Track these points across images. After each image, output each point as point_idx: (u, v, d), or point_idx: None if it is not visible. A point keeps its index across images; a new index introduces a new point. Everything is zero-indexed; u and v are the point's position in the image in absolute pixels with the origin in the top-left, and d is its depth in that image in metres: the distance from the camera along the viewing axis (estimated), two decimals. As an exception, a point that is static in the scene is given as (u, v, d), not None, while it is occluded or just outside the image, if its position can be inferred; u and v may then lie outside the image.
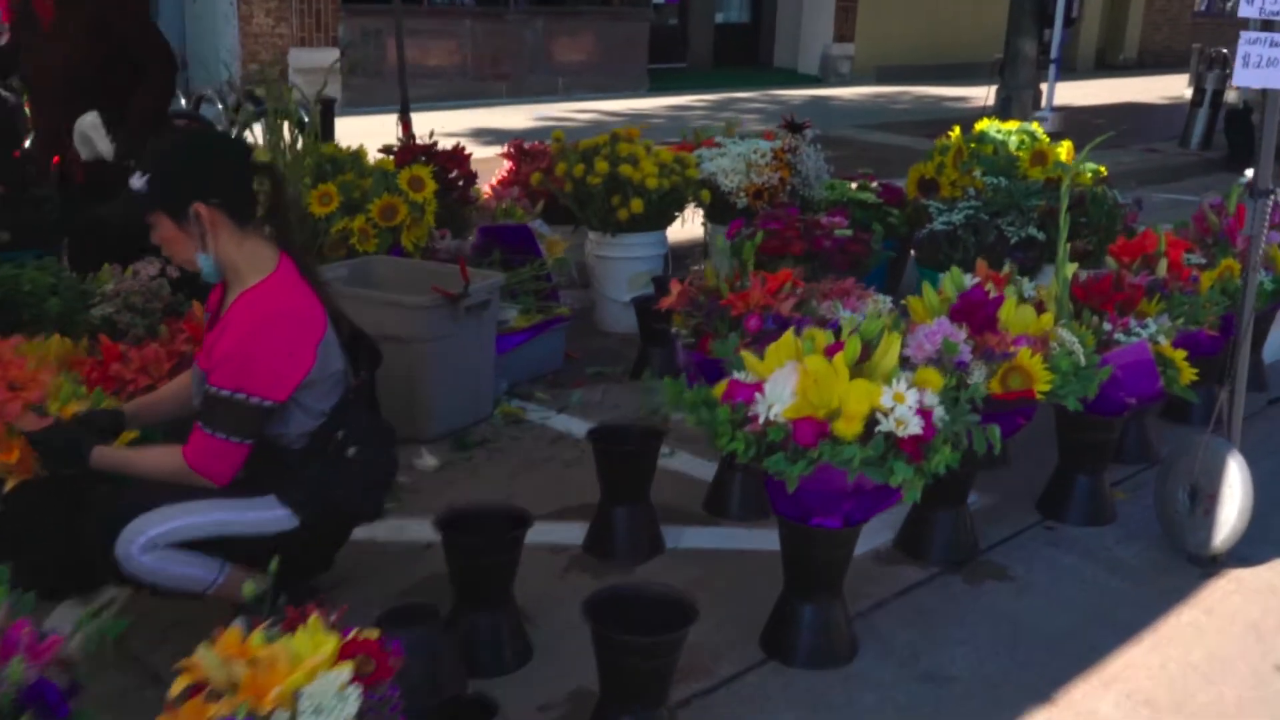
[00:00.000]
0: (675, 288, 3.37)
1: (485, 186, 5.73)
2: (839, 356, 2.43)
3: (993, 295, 3.06)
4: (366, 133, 10.57)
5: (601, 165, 5.03)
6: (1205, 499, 3.07)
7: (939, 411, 2.45)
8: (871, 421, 2.35)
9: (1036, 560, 3.26)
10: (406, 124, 5.88)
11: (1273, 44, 2.89)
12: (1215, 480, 3.02)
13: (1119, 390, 3.14)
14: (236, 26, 10.81)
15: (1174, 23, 22.69)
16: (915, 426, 2.33)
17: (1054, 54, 8.86)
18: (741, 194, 5.27)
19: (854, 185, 5.62)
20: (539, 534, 3.31)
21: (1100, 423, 3.28)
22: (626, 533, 3.21)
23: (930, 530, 3.20)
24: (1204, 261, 3.96)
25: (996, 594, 3.08)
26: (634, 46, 14.27)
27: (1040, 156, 5.25)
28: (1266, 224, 2.97)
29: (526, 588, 2.86)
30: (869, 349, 2.50)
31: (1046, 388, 2.81)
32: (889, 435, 2.34)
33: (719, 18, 16.89)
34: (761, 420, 2.37)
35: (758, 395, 2.40)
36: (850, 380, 2.39)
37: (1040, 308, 3.28)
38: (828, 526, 2.55)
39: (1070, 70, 20.28)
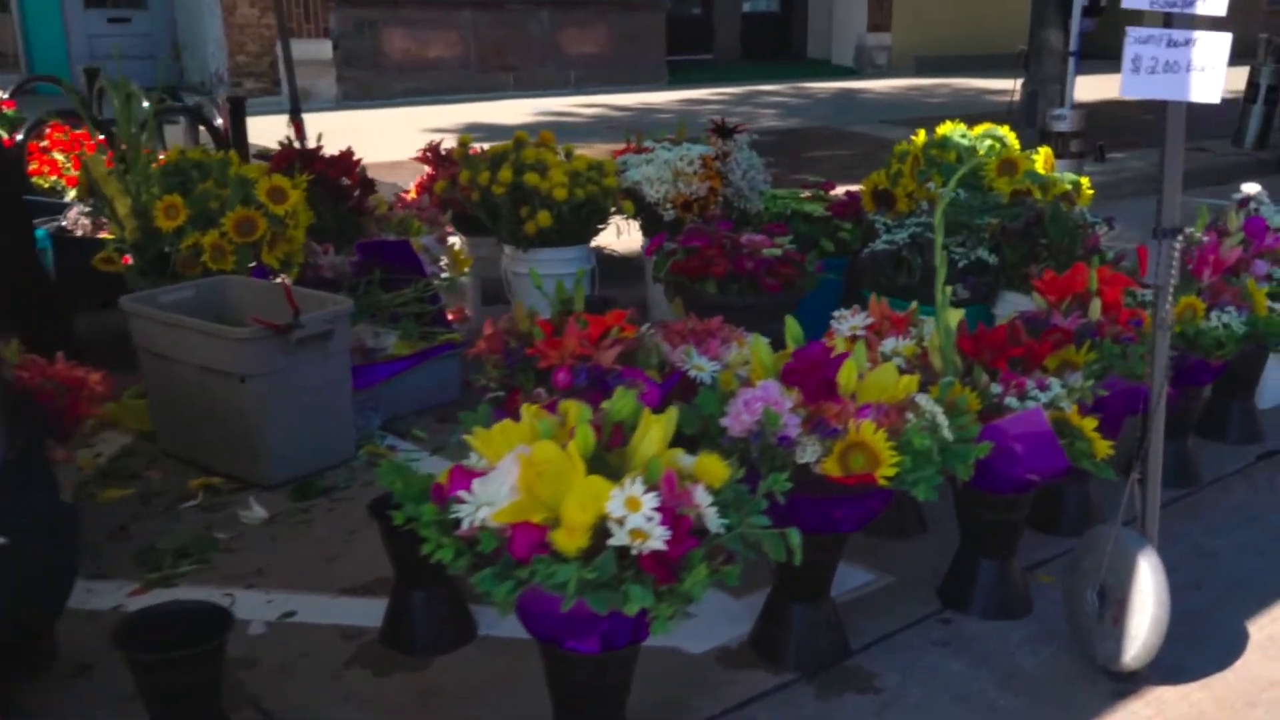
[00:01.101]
0: (488, 328, 2.84)
1: (410, 192, 5.23)
2: (574, 444, 1.88)
3: (853, 347, 2.48)
4: (353, 129, 10.17)
5: (505, 174, 4.50)
6: (1114, 604, 2.46)
7: (712, 514, 1.89)
8: (603, 531, 1.80)
9: (917, 666, 2.67)
10: (298, 124, 5.37)
11: (1170, 43, 2.28)
12: (1124, 584, 2.42)
13: (1016, 465, 2.55)
14: (220, 17, 10.44)
15: (1246, 9, 21.53)
16: (658, 540, 1.78)
17: (1073, 46, 8.13)
18: (668, 205, 4.71)
19: (805, 194, 5.03)
20: (337, 613, 2.83)
21: (998, 502, 2.68)
22: (425, 621, 2.69)
23: (786, 627, 2.63)
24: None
25: (851, 713, 2.51)
26: (651, 38, 13.70)
27: (1009, 165, 4.61)
28: (1174, 271, 2.35)
29: (292, 685, 2.42)
30: (622, 431, 1.95)
31: (892, 471, 2.23)
32: (624, 550, 1.78)
33: (747, 7, 16.26)
34: (466, 524, 1.83)
35: (465, 492, 1.86)
36: (588, 475, 1.85)
37: (925, 363, 2.70)
38: (582, 651, 2.01)
39: (1116, 59, 19.30)
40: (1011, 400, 2.52)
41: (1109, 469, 2.54)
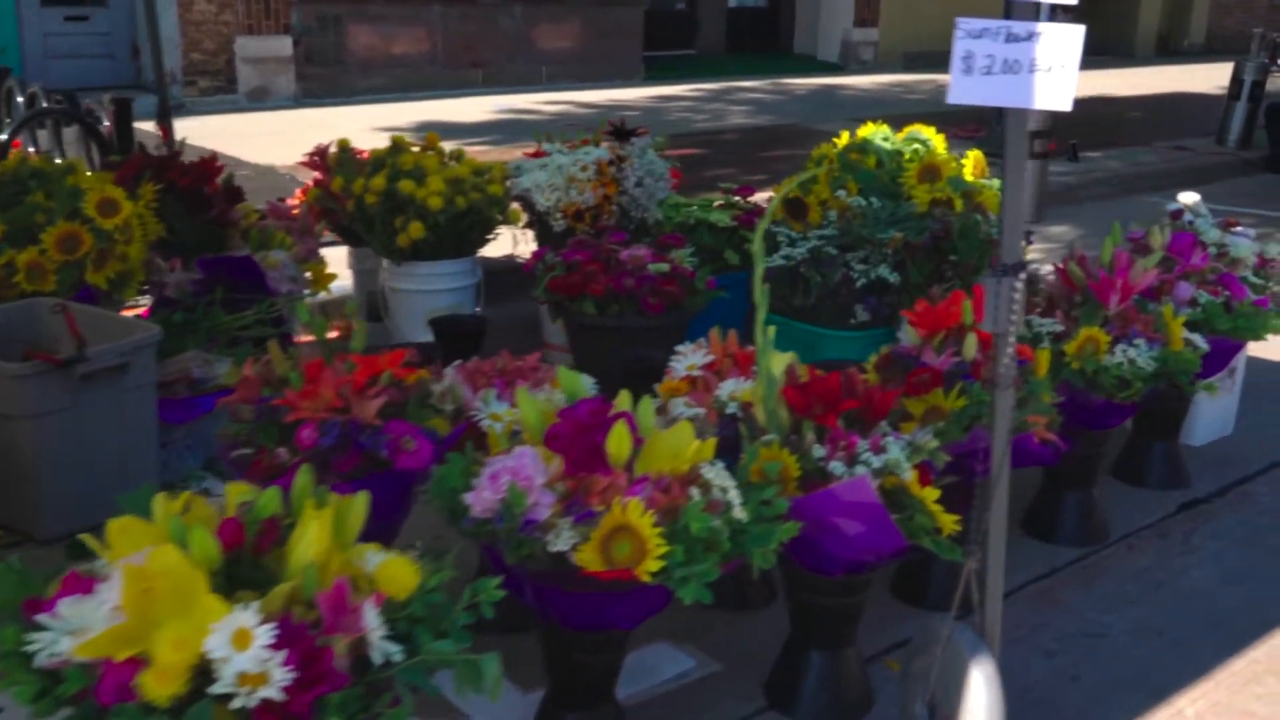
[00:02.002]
0: (247, 370, 2.44)
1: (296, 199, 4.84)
2: (194, 551, 1.48)
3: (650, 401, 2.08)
4: (303, 127, 9.77)
5: (378, 181, 4.11)
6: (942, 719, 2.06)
7: (380, 641, 1.50)
8: (206, 671, 1.40)
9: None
10: (165, 129, 4.98)
11: (1009, 37, 1.88)
12: (954, 697, 2.01)
13: (845, 544, 2.15)
14: (175, 13, 10.06)
15: (1246, 5, 20.98)
16: (275, 685, 1.38)
17: (1042, 40, 7.72)
18: (558, 214, 4.31)
19: (718, 203, 4.63)
20: None
21: (828, 585, 2.28)
22: None
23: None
24: (1060, 329, 2.92)
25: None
26: (628, 33, 13.28)
27: (929, 171, 4.19)
28: (1015, 316, 1.94)
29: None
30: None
31: (656, 565, 1.82)
32: (228, 698, 1.39)
33: (733, 1, 15.81)
34: (44, 656, 1.44)
35: (48, 615, 1.46)
36: (212, 592, 1.45)
37: (750, 416, 2.29)
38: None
39: (1128, 56, 18.82)
40: (837, 465, 2.11)
41: (955, 548, 2.12)
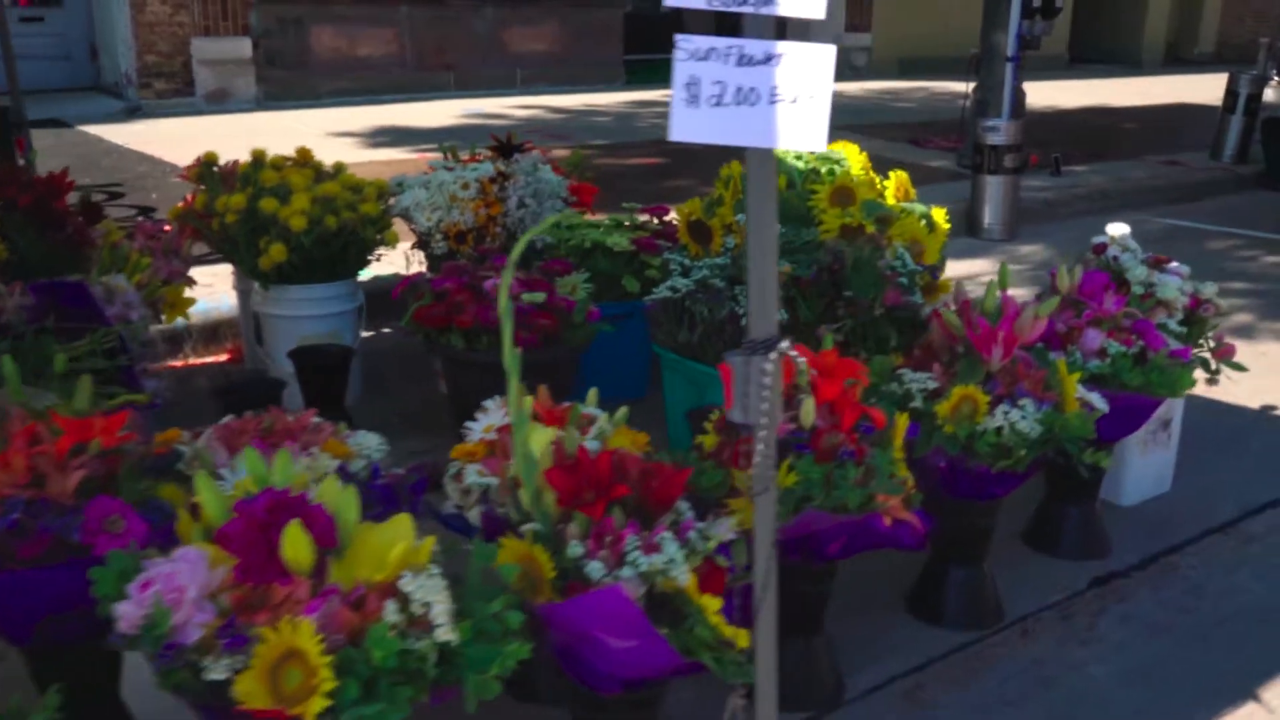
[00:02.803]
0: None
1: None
2: None
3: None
4: (253, 132, 9.39)
5: (237, 200, 3.76)
6: None
7: None
8: None
9: None
10: (19, 140, 4.63)
11: (742, 60, 1.52)
12: None
13: (612, 662, 1.78)
14: (128, 14, 9.76)
15: (1259, 14, 20.47)
16: None
17: (1011, 51, 7.29)
18: (439, 236, 3.95)
19: (624, 224, 4.27)
20: None
21: (605, 702, 1.91)
22: None
23: None
24: (935, 386, 2.55)
25: None
26: (607, 35, 12.93)
27: (843, 194, 3.82)
28: (767, 400, 1.57)
29: None
30: None
31: (320, 704, 1.46)
32: None
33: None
34: None
35: None
36: None
37: (515, 501, 1.93)
38: None
39: (1135, 65, 18.38)
40: (595, 567, 1.75)
41: (740, 669, 1.75)
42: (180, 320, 3.77)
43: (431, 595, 1.57)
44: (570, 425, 2.24)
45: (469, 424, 2.32)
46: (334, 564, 1.61)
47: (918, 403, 2.51)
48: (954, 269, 6.47)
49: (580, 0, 12.58)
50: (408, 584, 1.57)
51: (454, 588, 1.65)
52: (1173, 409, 3.36)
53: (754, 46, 1.51)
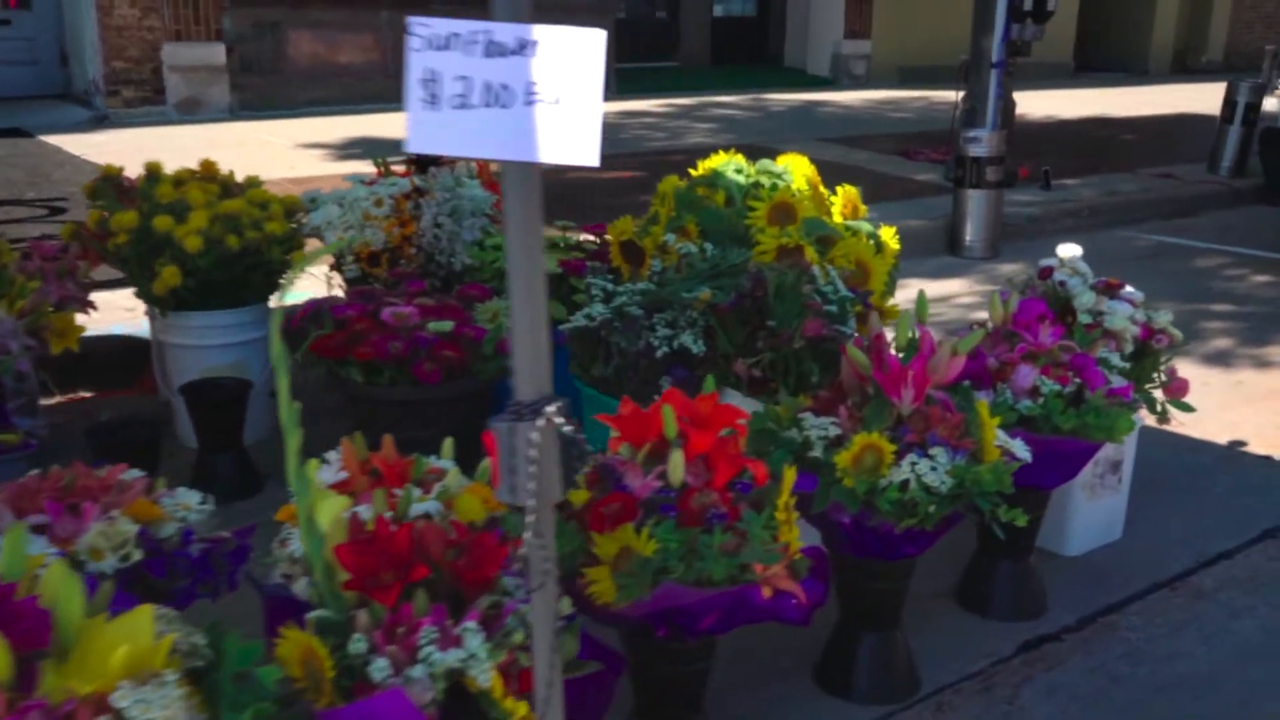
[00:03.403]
0: None
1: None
2: None
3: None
4: (214, 145, 9.15)
5: (127, 218, 3.52)
6: None
7: None
8: None
9: None
10: None
11: (491, 49, 1.26)
12: None
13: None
14: (95, 18, 9.56)
15: (1269, 21, 20.15)
16: None
17: (995, 57, 7.02)
18: (351, 258, 3.71)
19: (558, 244, 4.02)
20: None
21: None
22: None
23: None
24: (838, 433, 2.29)
25: None
26: (597, 43, 12.67)
27: (783, 212, 3.56)
28: (536, 478, 1.31)
29: None
30: None
31: None
32: None
33: (719, 10, 15.20)
34: None
35: None
36: None
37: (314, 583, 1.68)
38: None
39: (1141, 74, 18.07)
40: (380, 666, 1.50)
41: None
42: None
43: (156, 710, 1.32)
44: (409, 484, 2.00)
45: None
46: (51, 669, 1.37)
47: (817, 451, 2.26)
48: (930, 288, 6.16)
49: (570, 6, 12.33)
50: (123, 697, 1.31)
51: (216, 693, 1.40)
52: (1123, 449, 3.10)
53: (504, 31, 1.25)
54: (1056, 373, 2.58)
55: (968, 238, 6.94)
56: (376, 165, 4.33)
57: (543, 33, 1.24)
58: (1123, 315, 2.90)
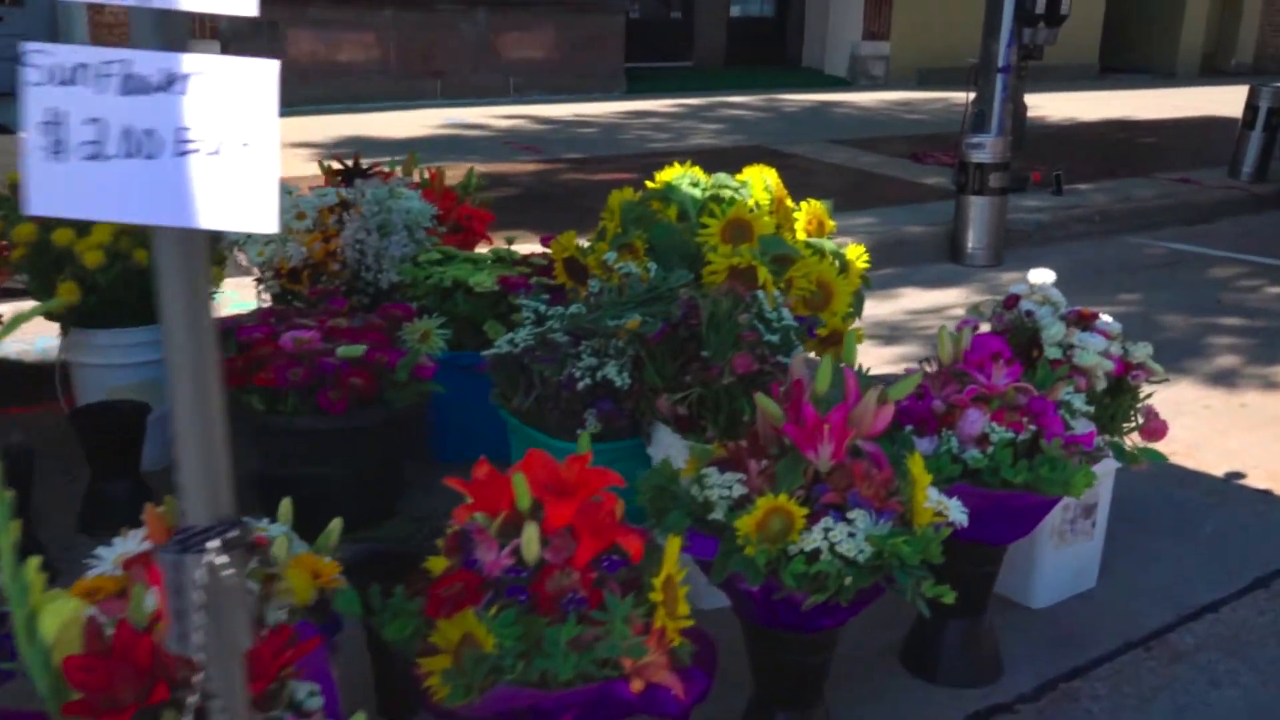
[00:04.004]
0: None
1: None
2: None
3: None
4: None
5: (26, 229, 3.29)
6: None
7: None
8: None
9: None
10: None
11: (129, 84, 1.00)
12: None
13: None
14: (85, 15, 9.39)
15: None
16: None
17: (1001, 61, 6.70)
18: (270, 273, 3.47)
19: (502, 258, 3.76)
20: None
21: None
22: None
23: None
24: (743, 493, 2.01)
25: None
26: (607, 42, 12.43)
27: (738, 229, 3.28)
28: (204, 627, 1.04)
29: None
30: None
31: None
32: None
33: (735, 11, 14.89)
34: None
35: None
36: None
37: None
38: None
39: (1169, 76, 17.63)
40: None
41: None
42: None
43: None
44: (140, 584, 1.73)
45: (100, 550, 1.81)
46: None
47: (719, 514, 1.98)
48: (926, 298, 5.91)
49: (580, 5, 12.09)
50: None
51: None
52: (1097, 492, 2.80)
53: (146, 61, 0.98)
54: (1010, 418, 2.29)
55: (970, 245, 6.63)
56: (323, 170, 4.09)
57: (198, 63, 0.98)
58: (1094, 350, 2.61)
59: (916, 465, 2.04)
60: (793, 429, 1.98)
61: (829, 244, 3.45)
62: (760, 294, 2.90)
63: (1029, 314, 2.72)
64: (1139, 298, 6.03)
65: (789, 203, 3.67)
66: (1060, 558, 2.80)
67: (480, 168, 8.30)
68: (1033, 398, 2.33)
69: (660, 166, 3.67)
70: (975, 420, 2.27)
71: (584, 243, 3.51)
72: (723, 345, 2.69)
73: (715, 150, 9.33)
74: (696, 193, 3.53)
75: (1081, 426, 2.38)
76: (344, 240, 3.31)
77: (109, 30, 9.52)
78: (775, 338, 2.74)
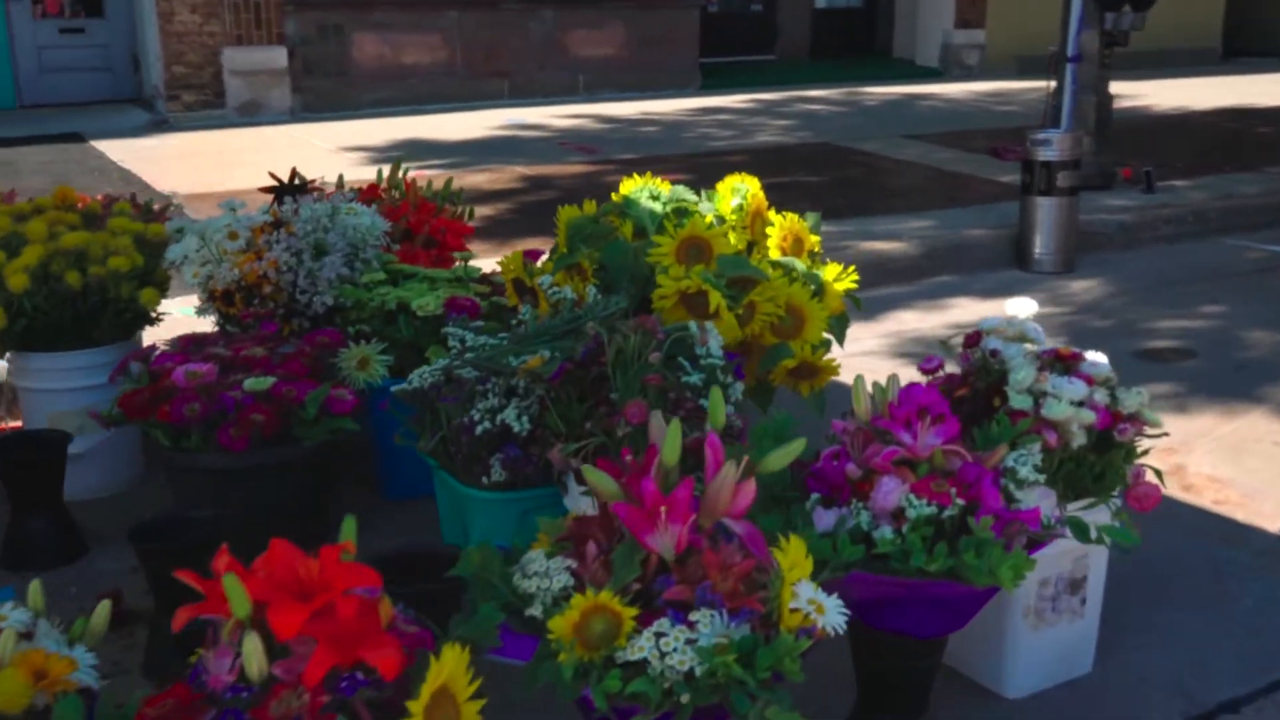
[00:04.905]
0: None
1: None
2: None
3: None
4: (253, 147, 8.87)
5: (-55, 252, 3.12)
6: None
7: None
8: None
9: None
10: None
11: None
12: None
13: None
14: (156, 24, 9.43)
15: None
16: None
17: (1071, 49, 6.14)
18: (204, 296, 3.24)
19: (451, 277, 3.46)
20: None
21: None
22: None
23: None
24: (564, 585, 1.66)
25: None
26: (680, 37, 12.09)
27: (694, 249, 2.93)
28: None
29: None
30: None
31: None
32: None
33: (822, 2, 14.39)
34: None
35: None
36: None
37: None
38: None
39: (1269, 54, 16.46)
40: None
41: None
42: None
43: None
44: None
45: None
46: None
47: (537, 610, 1.64)
48: (981, 310, 5.41)
49: (649, 1, 11.77)
50: None
51: None
52: (1085, 563, 2.38)
53: None
54: (937, 488, 1.90)
55: (1036, 250, 6.11)
56: (378, 180, 3.91)
57: None
58: (1070, 398, 2.19)
59: (794, 550, 1.67)
60: (625, 509, 1.63)
61: (800, 263, 3.07)
62: (693, 326, 2.55)
63: (994, 353, 2.31)
64: (1224, 309, 5.45)
65: (771, 215, 3.30)
66: (1039, 640, 2.38)
67: (526, 170, 8.05)
68: (965, 463, 1.93)
69: (717, 167, 3.33)
70: (890, 490, 1.88)
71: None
72: (630, 388, 2.34)
73: (777, 148, 8.92)
74: (656, 206, 3.19)
75: (1031, 498, 1.97)
76: (277, 261, 3.06)
77: (179, 39, 9.56)
78: (699, 377, 2.38)
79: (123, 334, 3.33)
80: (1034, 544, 1.96)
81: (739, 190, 3.32)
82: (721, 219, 3.17)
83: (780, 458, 1.77)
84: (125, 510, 3.13)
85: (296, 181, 3.33)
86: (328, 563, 1.46)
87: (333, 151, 8.46)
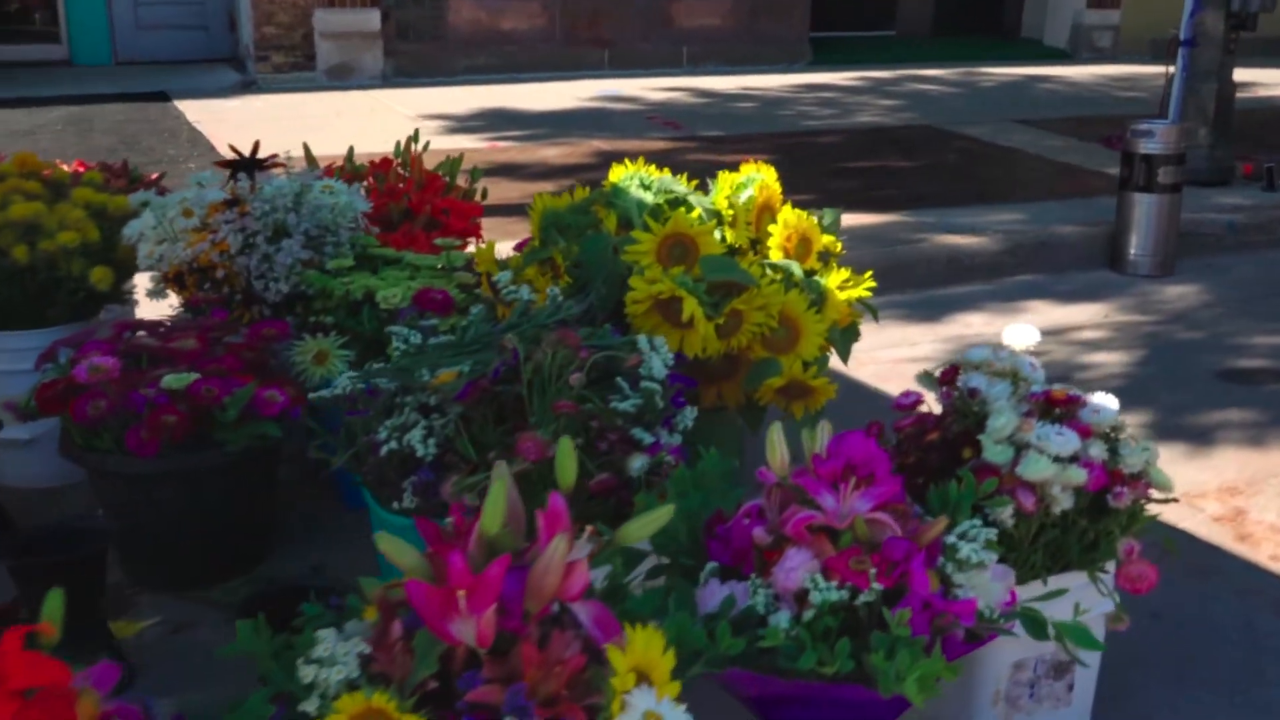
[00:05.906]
0: None
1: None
2: None
3: None
4: (353, 111, 8.72)
5: (-101, 221, 2.97)
6: None
7: None
8: None
9: None
10: None
11: None
12: None
13: None
14: (248, -2, 9.40)
15: None
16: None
17: (1184, 32, 5.54)
18: (159, 279, 3.03)
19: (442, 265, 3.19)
20: None
21: None
22: None
23: None
24: (343, 677, 1.37)
25: None
26: (790, 9, 11.59)
27: (677, 246, 2.59)
28: None
29: None
30: None
31: None
32: None
33: (944, -23, 13.69)
34: None
35: None
36: None
37: None
38: None
39: None
40: None
41: None
42: None
43: None
44: None
45: None
46: None
47: (310, 706, 1.36)
48: (1060, 315, 4.93)
49: (760, -27, 11.32)
50: None
51: None
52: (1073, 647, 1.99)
53: None
54: (857, 566, 1.55)
55: (1131, 251, 5.57)
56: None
57: None
58: (1056, 452, 1.80)
59: (640, 644, 1.35)
60: (419, 589, 1.33)
61: (799, 267, 2.70)
62: (642, 340, 2.22)
63: (973, 392, 1.93)
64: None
65: (787, 211, 2.94)
66: (1013, 732, 2.01)
67: (604, 144, 7.74)
68: (891, 538, 1.57)
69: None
70: (794, 567, 1.54)
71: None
72: (547, 413, 2.03)
73: (875, 129, 8.43)
74: (647, 197, 2.85)
75: (978, 581, 1.60)
76: (233, 241, 2.82)
77: (270, 0, 9.50)
78: (632, 403, 2.06)
79: (81, 314, 3.14)
80: (975, 639, 1.59)
81: (749, 182, 2.96)
82: (716, 213, 2.82)
83: (641, 527, 1.44)
84: (61, 505, 2.95)
85: (257, 157, 3.08)
86: (8, 652, 1.18)
87: (413, 119, 8.27)
